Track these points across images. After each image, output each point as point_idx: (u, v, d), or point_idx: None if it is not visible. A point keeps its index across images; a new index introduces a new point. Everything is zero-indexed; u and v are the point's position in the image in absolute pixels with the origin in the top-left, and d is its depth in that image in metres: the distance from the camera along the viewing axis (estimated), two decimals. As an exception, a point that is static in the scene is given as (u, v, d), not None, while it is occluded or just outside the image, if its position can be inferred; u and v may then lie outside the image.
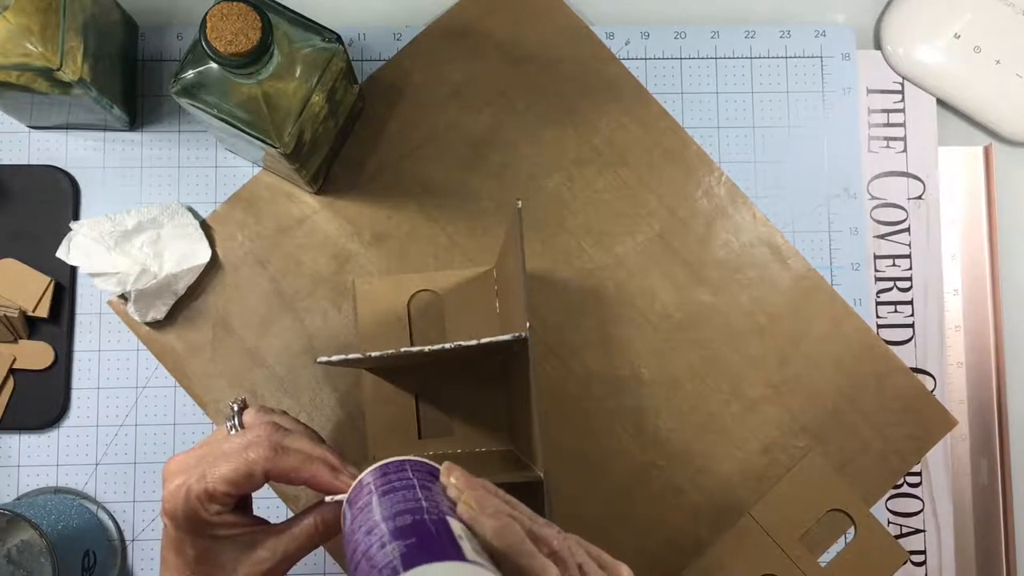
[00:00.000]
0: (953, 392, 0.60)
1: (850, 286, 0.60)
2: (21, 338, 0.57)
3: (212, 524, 0.41)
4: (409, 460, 0.39)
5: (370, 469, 0.39)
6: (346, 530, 0.37)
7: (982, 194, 0.62)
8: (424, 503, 0.35)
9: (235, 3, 0.43)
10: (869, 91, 0.62)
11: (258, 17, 0.43)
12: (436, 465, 0.39)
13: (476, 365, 0.57)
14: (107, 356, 0.58)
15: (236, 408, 0.45)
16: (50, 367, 0.57)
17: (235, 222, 0.59)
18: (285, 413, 0.46)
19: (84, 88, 0.51)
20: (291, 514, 0.57)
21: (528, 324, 0.44)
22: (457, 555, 0.30)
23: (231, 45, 0.43)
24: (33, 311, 0.56)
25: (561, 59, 0.60)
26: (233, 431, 0.43)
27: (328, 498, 0.42)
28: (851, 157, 0.61)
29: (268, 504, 0.57)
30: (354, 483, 0.39)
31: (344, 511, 0.39)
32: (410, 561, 0.30)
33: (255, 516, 0.44)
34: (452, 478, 0.38)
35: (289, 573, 0.44)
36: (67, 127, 0.59)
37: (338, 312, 0.58)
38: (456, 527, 0.33)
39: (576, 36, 0.61)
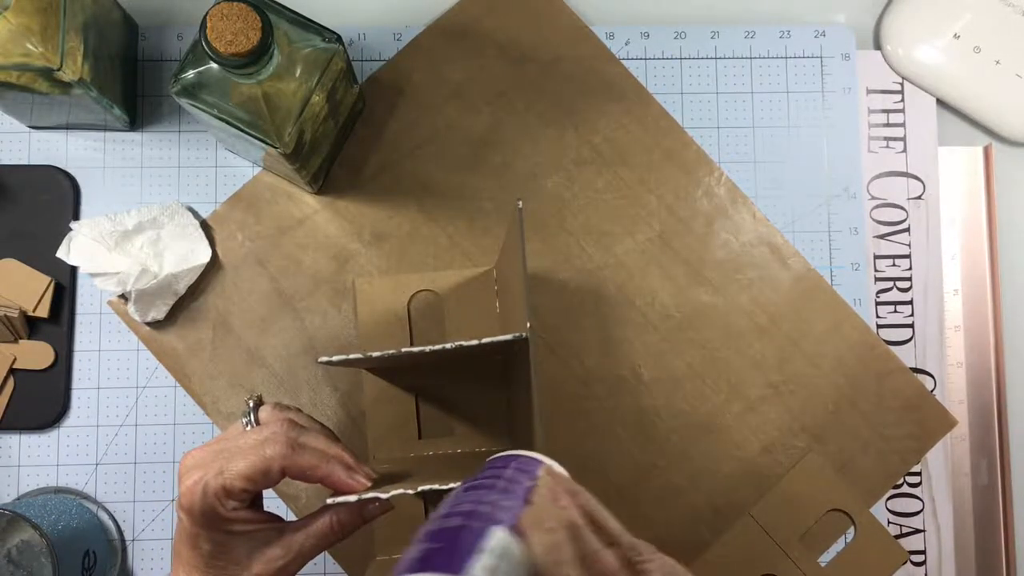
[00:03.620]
0: (953, 392, 0.60)
1: (850, 286, 0.60)
2: (21, 338, 0.57)
3: (228, 520, 0.41)
4: (522, 457, 0.39)
5: (492, 457, 0.39)
6: None
7: (982, 194, 0.62)
8: (483, 507, 0.34)
9: (235, 3, 0.43)
10: (869, 91, 0.62)
11: (258, 17, 0.43)
12: (548, 463, 0.38)
13: (476, 365, 0.57)
14: (107, 356, 0.58)
15: (252, 404, 0.45)
16: (50, 367, 0.57)
17: (235, 222, 0.59)
18: (300, 410, 0.46)
19: (84, 88, 0.51)
20: (291, 514, 0.57)
21: (528, 324, 0.44)
22: (455, 569, 0.29)
23: (231, 45, 0.43)
24: (33, 311, 0.56)
25: (561, 59, 0.60)
26: (249, 427, 0.44)
27: (330, 500, 0.42)
28: (851, 157, 0.61)
29: (268, 504, 0.57)
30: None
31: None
32: (410, 567, 0.30)
33: (268, 512, 0.44)
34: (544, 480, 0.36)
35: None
36: (67, 127, 0.59)
37: (338, 312, 0.58)
38: (496, 539, 0.32)
39: (576, 36, 0.61)
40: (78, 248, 0.56)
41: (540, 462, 0.38)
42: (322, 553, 0.56)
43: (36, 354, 0.57)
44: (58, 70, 0.48)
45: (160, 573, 0.57)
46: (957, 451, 0.60)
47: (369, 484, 0.43)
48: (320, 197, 0.59)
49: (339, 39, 0.48)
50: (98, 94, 0.52)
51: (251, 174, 0.59)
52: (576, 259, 0.59)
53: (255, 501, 0.44)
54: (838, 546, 0.58)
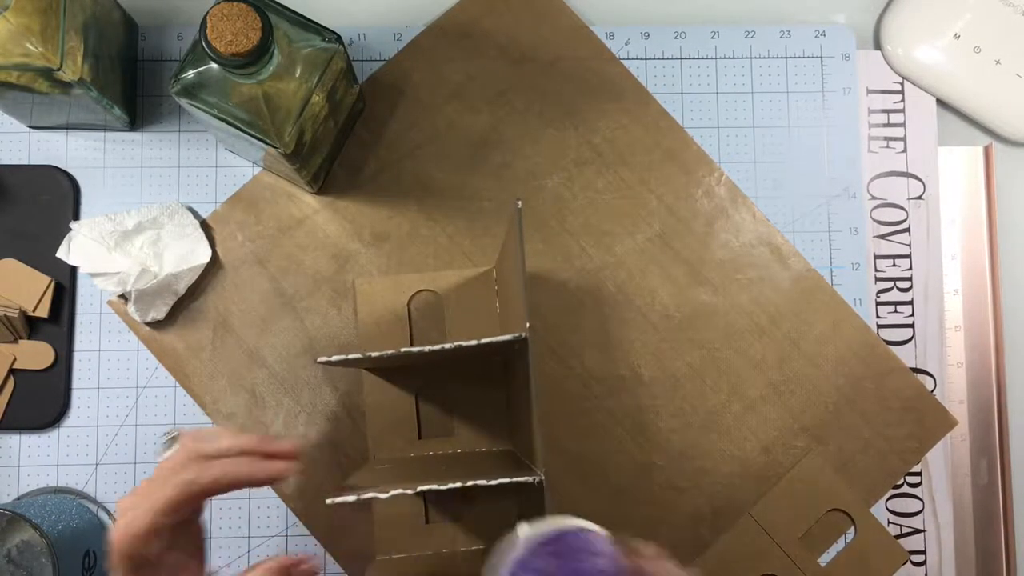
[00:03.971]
0: (953, 392, 0.60)
1: (850, 286, 0.60)
2: (21, 338, 0.57)
3: (154, 564, 0.42)
4: (568, 535, 0.37)
5: (529, 538, 0.38)
6: None
7: (982, 194, 0.62)
8: None
9: (235, 3, 0.43)
10: (869, 91, 0.62)
11: (258, 17, 0.43)
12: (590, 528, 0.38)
13: (476, 365, 0.57)
14: (107, 356, 0.58)
15: (167, 440, 0.45)
16: (50, 367, 0.57)
17: (235, 222, 0.59)
18: (210, 427, 0.46)
19: (84, 88, 0.51)
20: (291, 514, 0.57)
21: (528, 324, 0.44)
22: None
23: (231, 45, 0.43)
24: (33, 311, 0.56)
25: (561, 59, 0.60)
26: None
27: (329, 500, 0.42)
28: (851, 157, 0.61)
29: (269, 504, 0.57)
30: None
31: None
32: None
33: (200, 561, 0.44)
34: None
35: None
36: (67, 127, 0.59)
37: (338, 312, 0.58)
38: None
39: (576, 36, 0.61)
40: (78, 248, 0.56)
41: (592, 531, 0.38)
42: (320, 553, 0.56)
43: (36, 354, 0.57)
44: (58, 70, 0.48)
45: (160, 573, 0.57)
46: (957, 451, 0.60)
47: (295, 454, 0.43)
48: (320, 197, 0.59)
49: (339, 39, 0.48)
50: (98, 94, 0.52)
51: (251, 174, 0.59)
52: (576, 259, 0.59)
53: (186, 529, 0.44)
54: (838, 546, 0.58)
